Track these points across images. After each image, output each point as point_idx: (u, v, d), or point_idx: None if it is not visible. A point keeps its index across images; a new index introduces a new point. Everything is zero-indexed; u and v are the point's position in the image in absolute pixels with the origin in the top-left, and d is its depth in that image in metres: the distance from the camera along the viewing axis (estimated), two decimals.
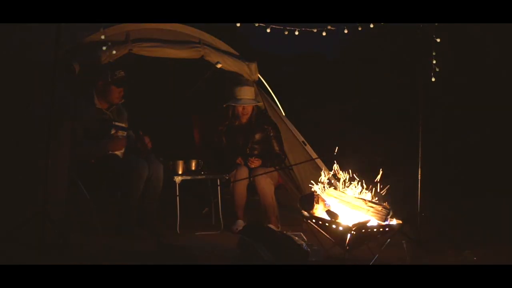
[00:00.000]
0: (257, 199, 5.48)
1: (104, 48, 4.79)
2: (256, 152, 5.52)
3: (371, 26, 5.07)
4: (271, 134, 5.57)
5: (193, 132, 5.81)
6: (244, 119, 5.56)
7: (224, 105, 5.57)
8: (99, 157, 4.80)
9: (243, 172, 5.31)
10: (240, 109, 5.51)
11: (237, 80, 5.66)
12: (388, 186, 4.55)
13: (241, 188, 5.29)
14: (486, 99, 8.71)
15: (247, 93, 5.54)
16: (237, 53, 5.77)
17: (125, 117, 5.13)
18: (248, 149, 5.52)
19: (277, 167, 5.48)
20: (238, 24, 4.90)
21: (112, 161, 4.83)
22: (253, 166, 5.40)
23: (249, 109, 5.54)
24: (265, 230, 4.48)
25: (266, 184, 5.31)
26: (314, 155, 5.67)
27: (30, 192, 4.19)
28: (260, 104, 5.71)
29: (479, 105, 8.75)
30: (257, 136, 5.54)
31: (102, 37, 4.77)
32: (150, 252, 4.31)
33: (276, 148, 5.56)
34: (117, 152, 4.89)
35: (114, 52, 4.84)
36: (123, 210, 4.81)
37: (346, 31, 5.18)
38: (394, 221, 4.36)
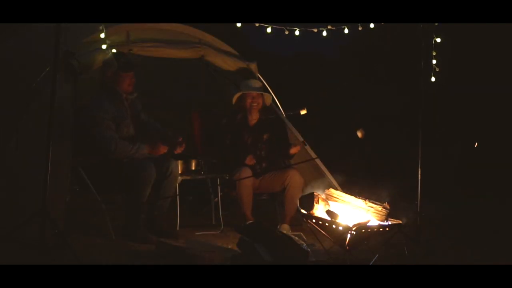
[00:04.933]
0: (264, 198, 5.46)
1: (104, 47, 4.79)
2: (262, 152, 5.44)
3: (371, 26, 5.08)
4: (277, 132, 5.51)
5: (193, 130, 5.76)
6: (254, 114, 5.46)
7: (234, 98, 5.46)
8: (136, 158, 4.69)
9: (248, 172, 5.20)
10: (249, 100, 5.42)
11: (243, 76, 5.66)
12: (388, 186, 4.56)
13: (248, 187, 5.18)
14: (487, 99, 8.72)
15: (256, 84, 5.52)
16: (237, 53, 5.76)
17: (139, 109, 5.04)
18: (255, 149, 5.44)
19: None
20: (238, 24, 4.90)
21: (120, 163, 4.74)
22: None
23: (259, 101, 5.45)
24: (265, 230, 4.48)
25: (300, 181, 5.22)
26: (314, 156, 5.67)
27: (30, 192, 4.19)
28: (268, 100, 5.63)
29: (480, 105, 8.76)
30: (265, 136, 5.46)
31: (102, 35, 4.77)
32: (150, 252, 4.31)
33: (281, 146, 5.48)
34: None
35: (114, 51, 4.83)
36: (129, 213, 4.73)
37: (346, 31, 5.18)
38: (394, 221, 4.36)
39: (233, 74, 5.77)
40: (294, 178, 5.22)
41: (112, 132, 4.69)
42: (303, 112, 5.50)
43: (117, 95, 4.81)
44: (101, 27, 4.75)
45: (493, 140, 8.40)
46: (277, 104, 5.93)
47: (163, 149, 4.83)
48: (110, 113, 4.71)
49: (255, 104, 5.45)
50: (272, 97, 5.95)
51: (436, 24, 4.91)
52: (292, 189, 5.19)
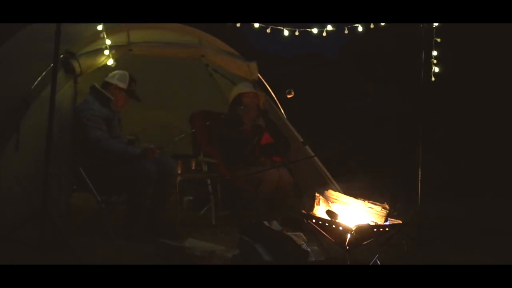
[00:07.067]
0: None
1: (103, 47, 4.79)
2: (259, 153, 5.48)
3: (371, 26, 5.08)
4: (264, 127, 5.56)
5: (194, 130, 5.73)
6: (252, 112, 5.52)
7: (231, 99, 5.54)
8: (131, 159, 4.72)
9: (272, 172, 5.26)
10: (248, 99, 5.50)
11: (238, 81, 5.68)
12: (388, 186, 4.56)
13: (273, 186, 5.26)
14: (486, 99, 8.73)
15: (248, 86, 5.60)
16: (237, 53, 5.76)
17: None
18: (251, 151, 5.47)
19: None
20: (238, 24, 4.91)
21: (120, 163, 4.72)
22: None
23: (255, 100, 5.52)
24: (265, 230, 4.48)
25: (287, 175, 5.33)
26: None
27: (30, 192, 4.19)
28: (262, 97, 5.67)
29: (479, 105, 8.77)
30: (257, 138, 5.50)
31: (102, 35, 4.76)
32: (150, 252, 4.30)
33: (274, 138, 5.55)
34: None
35: (114, 52, 4.83)
36: (129, 213, 4.72)
37: (346, 32, 5.18)
38: (394, 221, 4.35)
39: (233, 74, 5.77)
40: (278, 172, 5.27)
41: (102, 131, 4.71)
42: (289, 96, 5.49)
43: (108, 100, 4.84)
44: (100, 27, 4.75)
45: (493, 140, 8.41)
46: (277, 104, 5.94)
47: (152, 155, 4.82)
48: (101, 113, 4.74)
49: (253, 103, 5.51)
50: (272, 97, 5.96)
51: (436, 24, 4.91)
52: (280, 187, 5.27)
